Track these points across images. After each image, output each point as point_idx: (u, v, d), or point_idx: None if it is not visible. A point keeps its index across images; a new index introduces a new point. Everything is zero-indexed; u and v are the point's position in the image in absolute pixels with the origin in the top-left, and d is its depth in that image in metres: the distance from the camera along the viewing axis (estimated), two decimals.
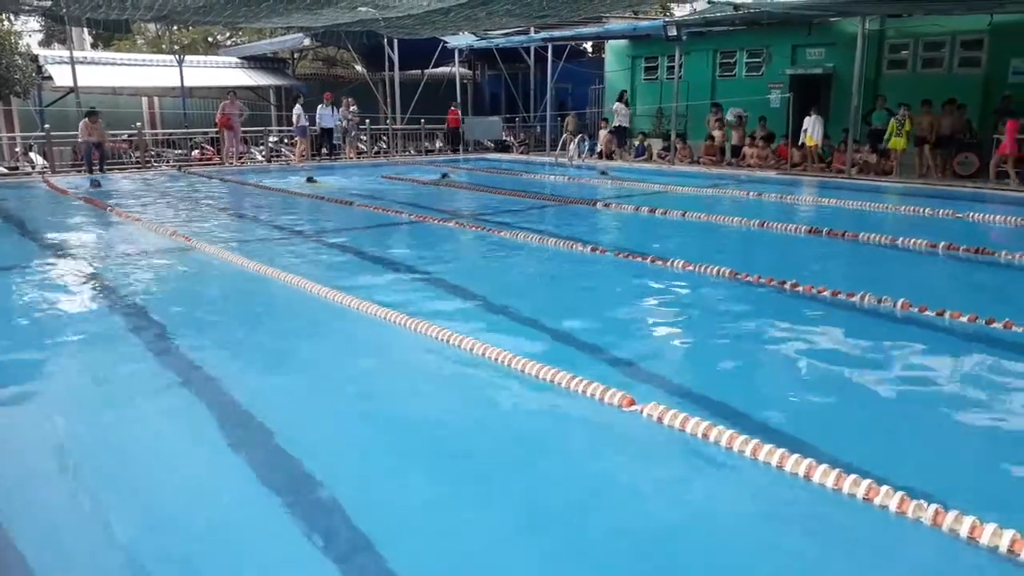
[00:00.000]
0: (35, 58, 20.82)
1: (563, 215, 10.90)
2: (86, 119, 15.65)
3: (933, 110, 14.21)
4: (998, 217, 9.30)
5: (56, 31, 30.37)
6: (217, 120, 18.20)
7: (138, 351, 4.75)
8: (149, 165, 17.96)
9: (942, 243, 7.59)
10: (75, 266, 7.24)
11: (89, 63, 21.34)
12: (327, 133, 19.47)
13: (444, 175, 15.16)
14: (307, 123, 18.93)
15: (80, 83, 17.35)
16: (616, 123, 19.65)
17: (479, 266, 7.70)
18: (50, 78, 20.19)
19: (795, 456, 3.10)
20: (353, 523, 2.77)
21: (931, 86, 15.20)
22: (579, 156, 18.81)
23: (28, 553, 2.61)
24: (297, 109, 18.85)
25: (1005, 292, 6.45)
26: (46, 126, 16.32)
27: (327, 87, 24.87)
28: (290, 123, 19.66)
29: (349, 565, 2.55)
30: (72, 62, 17.39)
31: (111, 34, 26.59)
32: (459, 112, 22.25)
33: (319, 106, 19.14)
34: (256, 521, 2.86)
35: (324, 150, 19.58)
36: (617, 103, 19.70)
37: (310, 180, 15.06)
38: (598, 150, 19.96)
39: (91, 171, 15.70)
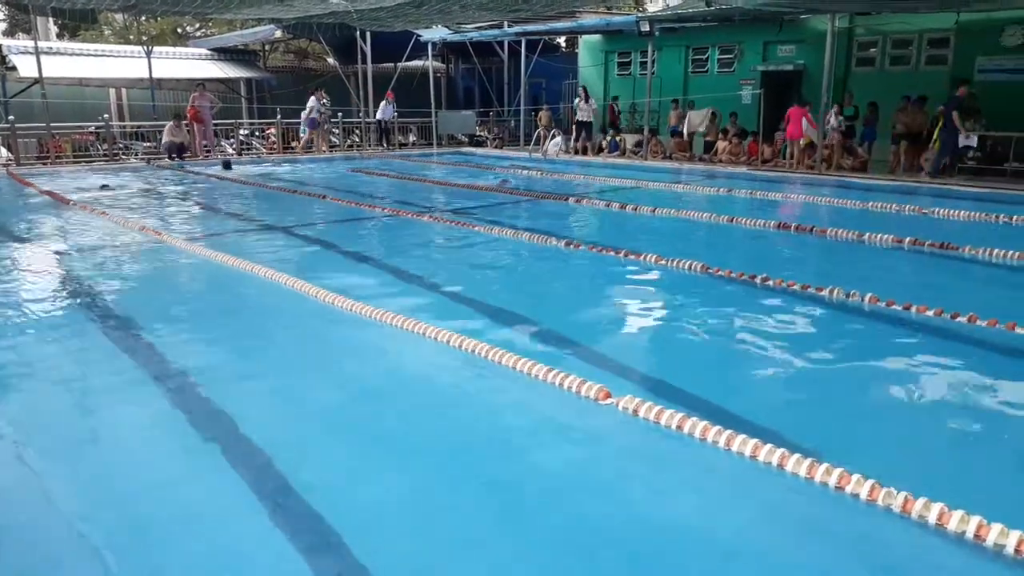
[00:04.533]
0: None
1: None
2: (172, 123, 17.43)
3: (911, 107, 14.43)
4: (962, 213, 9.49)
5: (20, 21, 29.74)
6: (187, 113, 18.02)
7: (104, 346, 4.69)
8: (117, 158, 17.69)
9: (908, 238, 7.72)
10: (37, 260, 7.13)
11: (55, 54, 20.90)
12: (385, 127, 20.82)
13: (503, 181, 13.95)
14: (317, 116, 19.59)
15: (45, 74, 16.99)
16: (578, 118, 19.42)
17: (451, 259, 7.69)
18: (14, 68, 19.76)
19: (768, 446, 3.15)
20: (325, 517, 2.77)
21: (899, 83, 15.46)
22: (554, 151, 18.87)
23: None
24: (311, 101, 19.49)
25: (967, 286, 6.58)
26: (10, 118, 16.00)
27: (299, 80, 24.67)
28: (262, 116, 19.63)
29: (320, 559, 2.54)
30: (37, 52, 17.01)
31: (77, 24, 26.09)
32: (616, 105, 20.80)
33: (382, 102, 20.40)
34: (227, 514, 2.85)
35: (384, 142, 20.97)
36: (577, 98, 19.57)
37: (226, 167, 15.92)
38: (571, 145, 20.00)
39: (171, 158, 17.23)
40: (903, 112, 14.41)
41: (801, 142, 15.42)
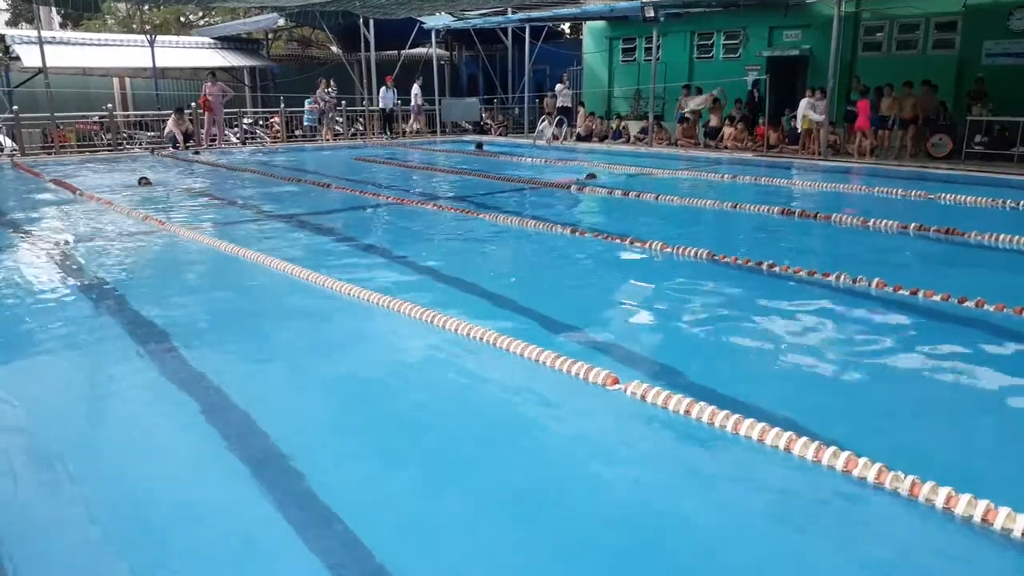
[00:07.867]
0: (2, 38, 20.40)
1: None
2: (175, 115, 17.53)
3: (914, 91, 14.38)
4: (969, 198, 9.44)
5: (23, 11, 29.70)
6: (199, 101, 18.05)
7: (109, 333, 4.70)
8: (120, 147, 17.71)
9: (914, 224, 7.69)
10: (43, 248, 7.15)
11: (58, 43, 20.92)
12: (388, 114, 20.83)
13: (590, 175, 12.45)
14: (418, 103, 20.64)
15: (49, 64, 17.01)
16: (559, 104, 20.04)
17: (457, 247, 7.69)
18: (18, 59, 19.79)
19: (775, 430, 3.16)
20: (328, 504, 2.77)
21: (906, 68, 15.36)
22: (559, 138, 18.87)
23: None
24: (415, 88, 20.46)
25: (976, 272, 6.56)
26: (14, 108, 16.02)
27: (303, 68, 24.62)
28: (266, 104, 19.65)
29: (322, 545, 2.54)
30: (40, 42, 17.01)
31: (80, 14, 26.03)
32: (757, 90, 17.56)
33: (381, 88, 20.33)
34: (229, 500, 2.87)
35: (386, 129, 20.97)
36: (559, 84, 20.35)
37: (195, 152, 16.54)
38: (577, 131, 19.98)
39: (174, 147, 17.42)
40: (921, 97, 14.30)
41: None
